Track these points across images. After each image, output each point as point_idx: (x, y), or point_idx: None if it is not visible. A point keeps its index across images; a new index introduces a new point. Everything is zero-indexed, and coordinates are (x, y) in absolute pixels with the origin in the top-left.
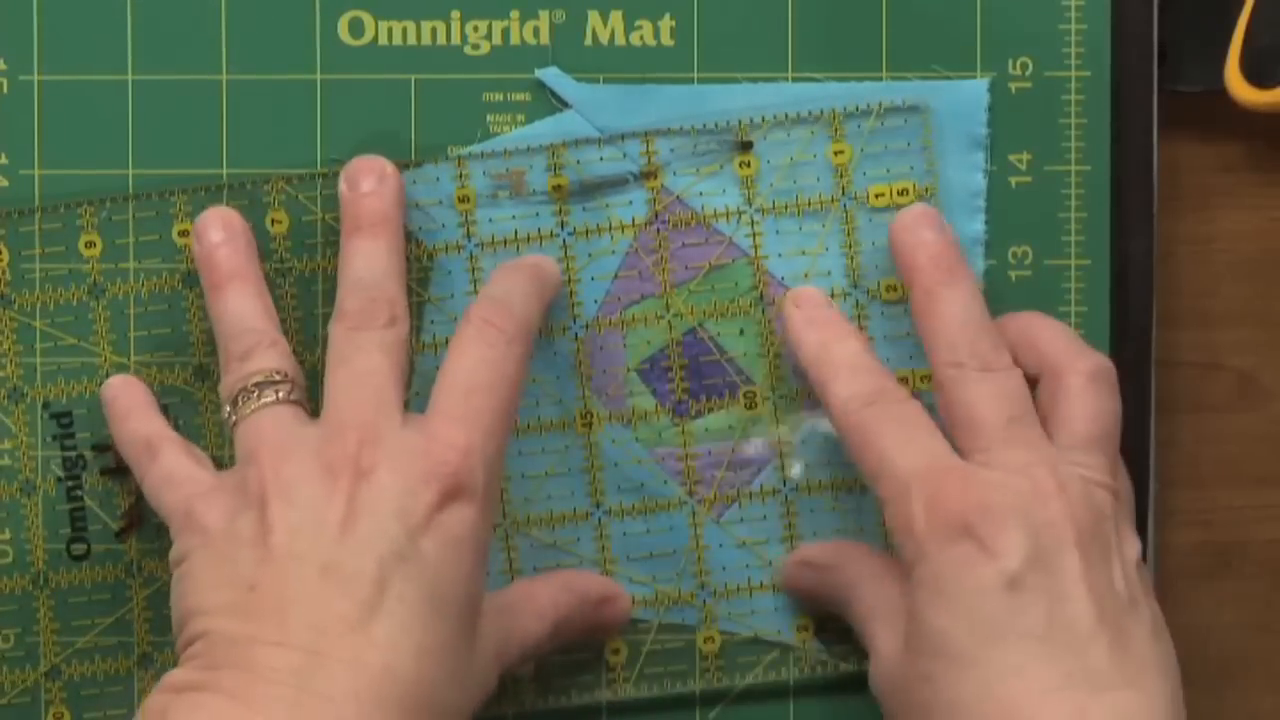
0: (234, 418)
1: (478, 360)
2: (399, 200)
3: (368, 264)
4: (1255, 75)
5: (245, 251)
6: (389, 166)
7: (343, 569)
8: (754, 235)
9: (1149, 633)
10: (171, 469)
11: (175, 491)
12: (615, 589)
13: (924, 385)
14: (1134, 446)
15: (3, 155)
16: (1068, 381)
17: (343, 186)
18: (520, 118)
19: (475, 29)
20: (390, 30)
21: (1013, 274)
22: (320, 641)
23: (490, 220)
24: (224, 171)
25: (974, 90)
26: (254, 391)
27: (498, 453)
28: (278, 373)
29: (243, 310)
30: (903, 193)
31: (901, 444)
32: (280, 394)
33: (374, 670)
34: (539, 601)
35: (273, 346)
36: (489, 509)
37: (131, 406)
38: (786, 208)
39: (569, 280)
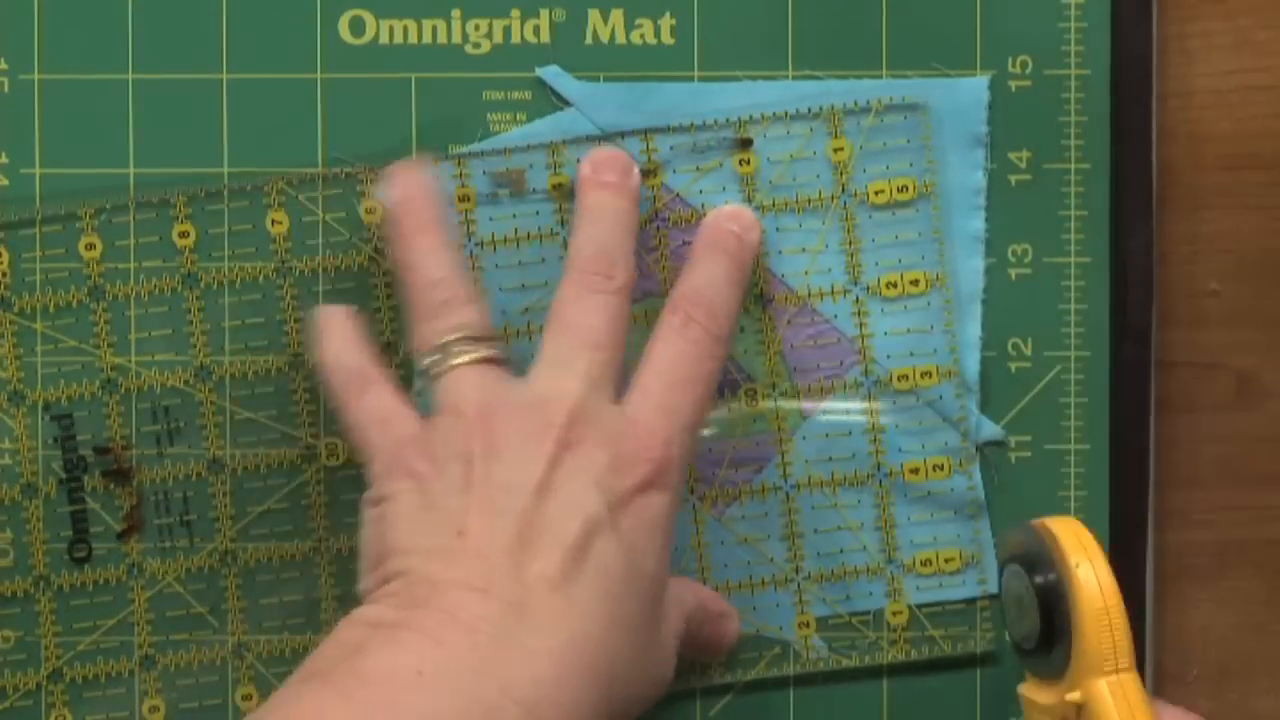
0: (436, 369)
1: (679, 354)
2: (638, 199)
3: (610, 227)
4: None
5: (436, 205)
6: (635, 168)
7: (548, 530)
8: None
9: None
10: (385, 406)
11: (386, 433)
12: (730, 609)
13: (924, 382)
14: (1134, 446)
15: (3, 154)
16: None
17: (585, 169)
18: (521, 116)
19: (476, 28)
20: (391, 29)
21: (1012, 272)
22: (523, 595)
23: (490, 219)
24: (224, 171)
25: (974, 88)
26: (458, 345)
27: (691, 447)
28: (481, 328)
29: (440, 260)
30: (902, 189)
31: None
32: (485, 351)
33: (572, 631)
34: (672, 592)
35: (470, 302)
36: (678, 500)
37: (346, 337)
38: (786, 205)
39: None
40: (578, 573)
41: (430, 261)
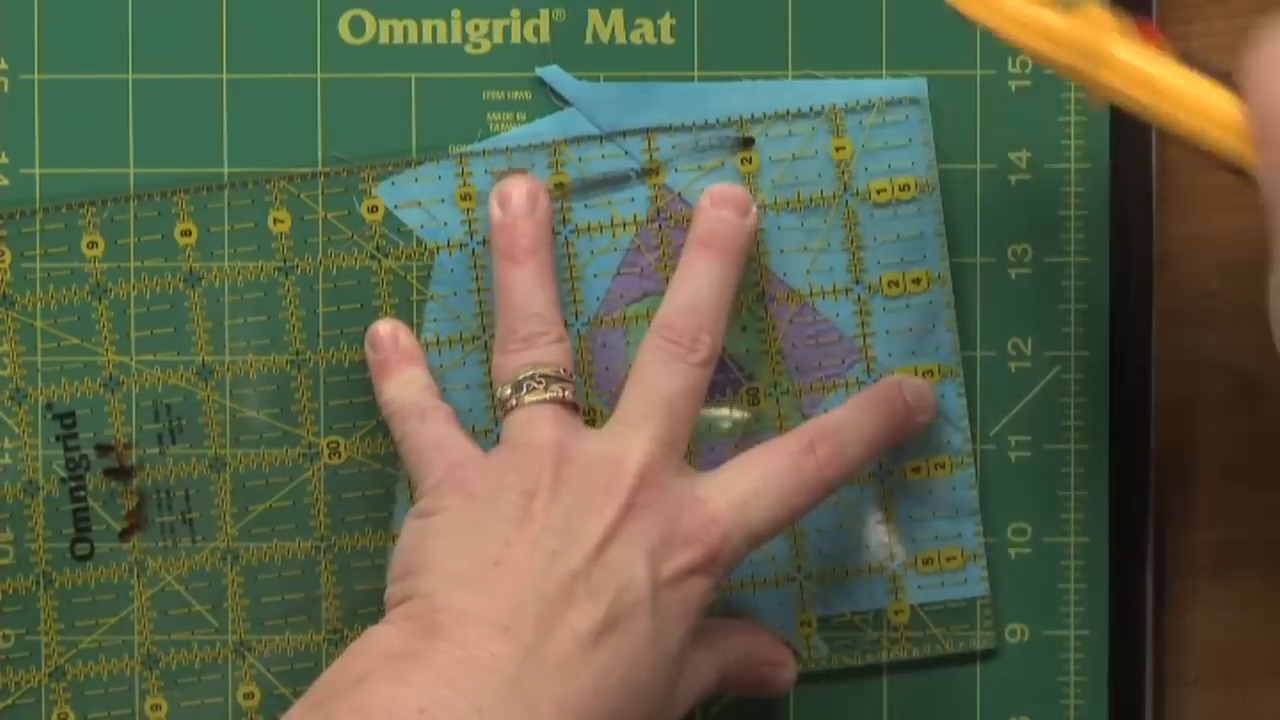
0: (514, 401)
1: (784, 471)
2: (744, 255)
3: (706, 296)
4: None
5: (548, 229)
6: (753, 207)
7: (587, 583)
8: (755, 231)
9: None
10: (443, 434)
11: (441, 454)
12: (786, 656)
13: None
14: (1134, 446)
15: (3, 155)
16: None
17: (704, 200)
18: (521, 116)
19: (476, 28)
20: (391, 29)
21: (1012, 271)
22: (544, 642)
23: None
24: (225, 170)
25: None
26: (541, 382)
27: (745, 554)
28: (564, 370)
29: (537, 293)
30: (904, 188)
31: None
32: (566, 392)
33: (583, 688)
34: (716, 649)
35: (559, 342)
36: (717, 590)
37: (405, 373)
38: (788, 204)
39: (570, 278)
40: (607, 636)
41: (525, 291)
